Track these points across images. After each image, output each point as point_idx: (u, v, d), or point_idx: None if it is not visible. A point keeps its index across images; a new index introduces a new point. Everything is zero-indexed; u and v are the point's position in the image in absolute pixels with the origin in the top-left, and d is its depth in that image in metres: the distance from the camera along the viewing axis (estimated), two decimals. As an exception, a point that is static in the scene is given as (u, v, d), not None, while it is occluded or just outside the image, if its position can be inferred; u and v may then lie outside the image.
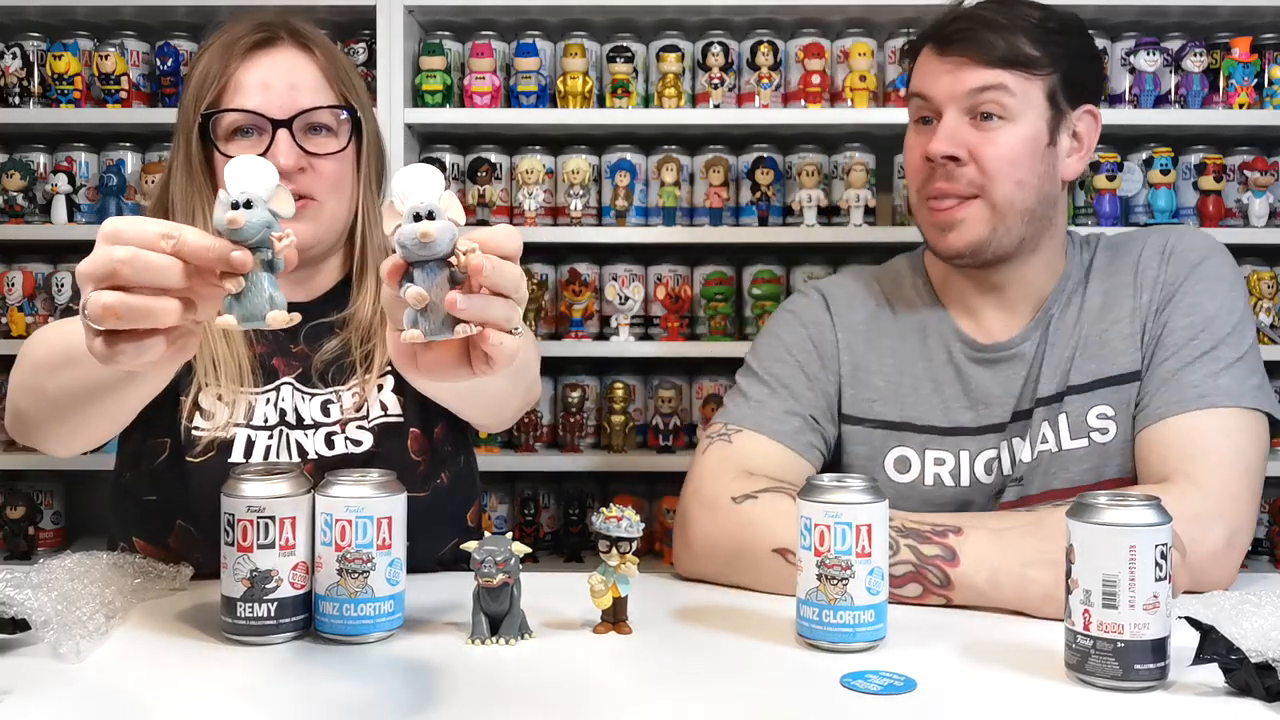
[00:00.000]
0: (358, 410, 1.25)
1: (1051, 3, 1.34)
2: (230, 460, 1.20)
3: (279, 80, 1.22)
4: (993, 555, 1.09)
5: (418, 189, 0.76)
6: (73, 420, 1.07)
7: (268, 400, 1.24)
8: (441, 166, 2.27)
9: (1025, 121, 1.29)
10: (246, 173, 0.77)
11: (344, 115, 1.25)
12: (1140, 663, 0.87)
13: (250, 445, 1.21)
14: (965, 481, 1.33)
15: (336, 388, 1.26)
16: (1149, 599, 0.86)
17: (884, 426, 1.37)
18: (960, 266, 1.35)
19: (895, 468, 1.36)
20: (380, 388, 1.26)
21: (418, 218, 0.75)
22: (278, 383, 1.25)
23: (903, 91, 1.38)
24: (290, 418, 1.24)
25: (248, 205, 0.75)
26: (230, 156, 1.18)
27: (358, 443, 1.24)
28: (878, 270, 1.48)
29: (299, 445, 1.22)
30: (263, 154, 1.19)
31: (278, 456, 1.21)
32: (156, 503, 1.23)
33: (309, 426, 1.24)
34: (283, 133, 1.20)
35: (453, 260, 0.76)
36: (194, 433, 1.20)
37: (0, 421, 1.43)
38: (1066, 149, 1.33)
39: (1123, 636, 0.87)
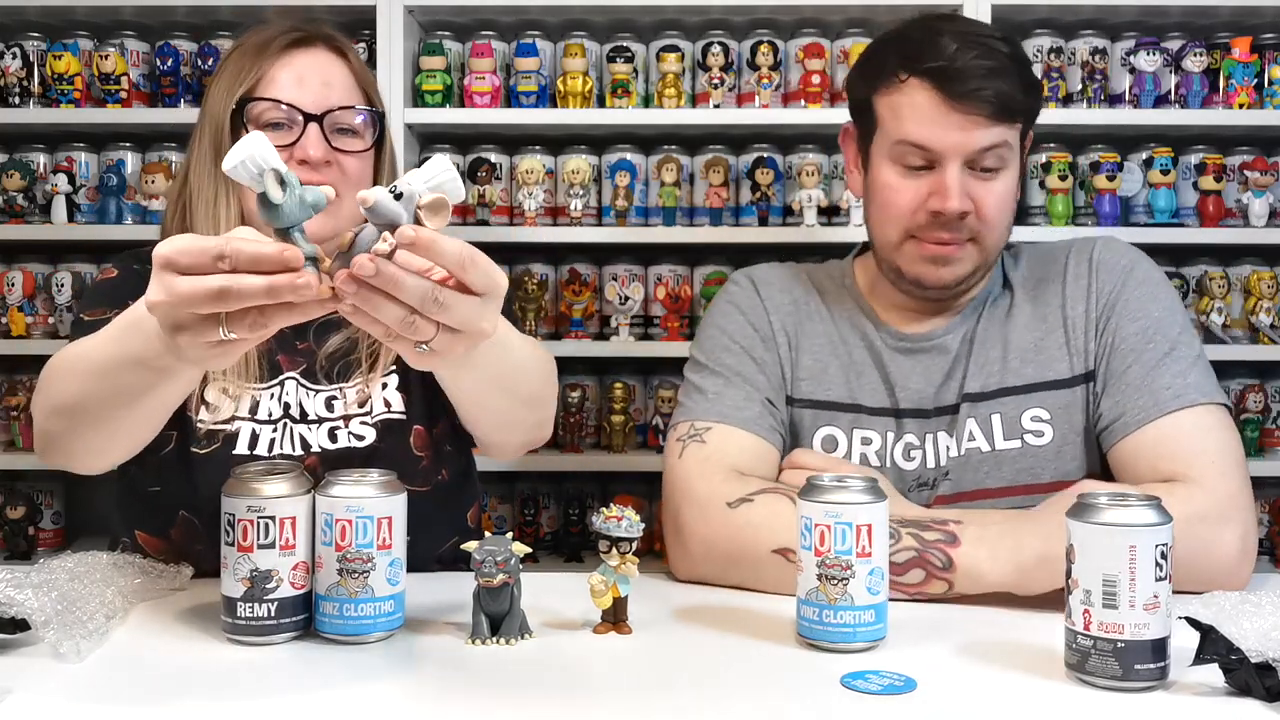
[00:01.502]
0: (361, 406, 1.26)
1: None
2: (235, 452, 1.21)
3: (313, 77, 1.26)
4: (990, 533, 1.12)
5: (424, 175, 0.81)
6: (108, 431, 1.07)
7: (271, 395, 1.25)
8: (441, 166, 2.27)
9: (1012, 170, 1.31)
10: (269, 151, 0.81)
11: (365, 118, 1.29)
12: (1140, 663, 0.87)
13: (255, 438, 1.23)
14: (888, 463, 1.34)
15: (341, 384, 1.27)
16: (1149, 599, 0.86)
17: (812, 406, 1.37)
18: (926, 298, 1.36)
19: (822, 447, 1.36)
20: (384, 385, 1.28)
21: (392, 190, 0.80)
22: (281, 377, 1.27)
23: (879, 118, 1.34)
24: (294, 412, 1.25)
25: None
26: None
27: (361, 438, 1.25)
28: (809, 265, 1.51)
29: (302, 439, 1.24)
30: (291, 144, 1.23)
31: (281, 449, 1.22)
32: (160, 494, 1.24)
33: (312, 421, 1.25)
34: (313, 126, 1.24)
35: (383, 240, 0.80)
36: (199, 425, 1.22)
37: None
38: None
39: (1123, 636, 0.87)
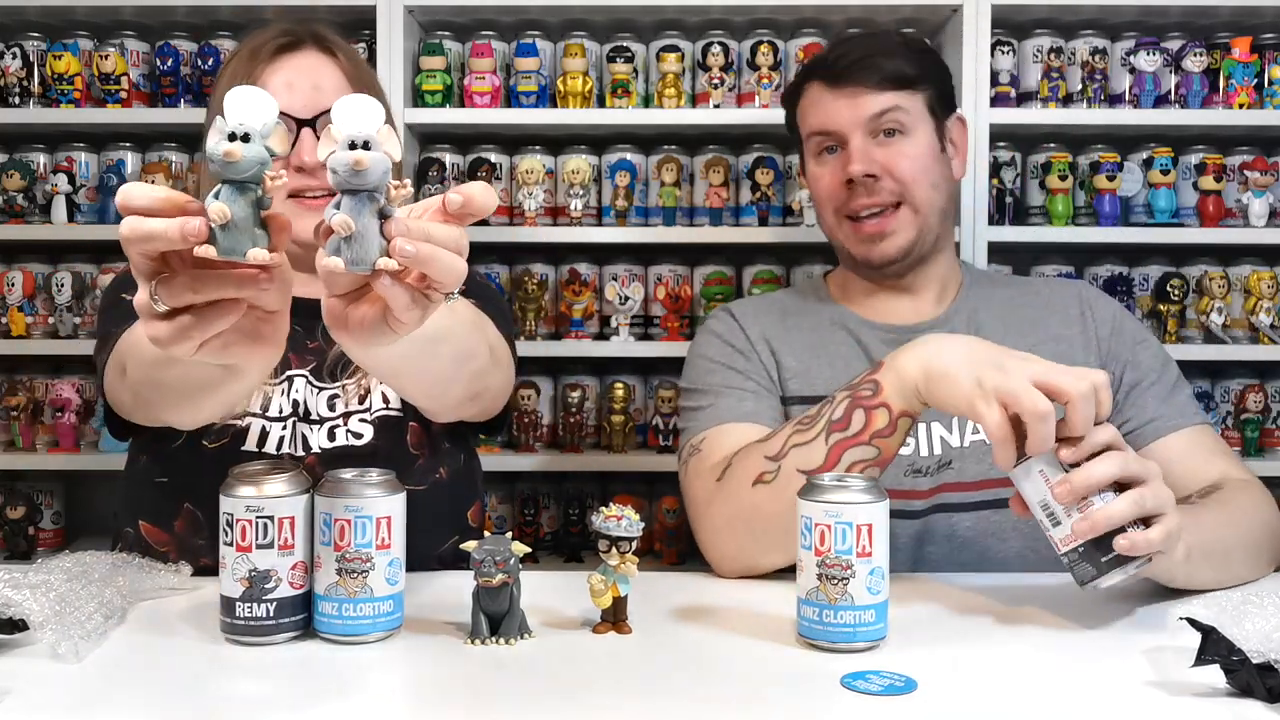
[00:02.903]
0: (361, 402, 1.27)
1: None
2: (243, 449, 1.23)
3: (303, 81, 1.27)
4: (908, 349, 1.14)
5: (356, 118, 0.75)
6: (193, 406, 1.07)
7: (282, 391, 1.27)
8: (441, 167, 2.28)
9: (921, 133, 1.44)
10: (246, 105, 0.75)
11: None
12: (1104, 554, 0.98)
13: (264, 435, 1.24)
14: None
15: (344, 382, 1.28)
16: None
17: (801, 401, 1.43)
18: (884, 275, 1.47)
19: None
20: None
21: (353, 146, 0.74)
22: (290, 373, 1.28)
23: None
24: (301, 410, 1.27)
25: (245, 139, 0.74)
26: None
27: (359, 435, 1.26)
28: (781, 292, 1.64)
29: (304, 439, 1.25)
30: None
31: (287, 449, 1.24)
32: (167, 484, 1.25)
33: (315, 421, 1.26)
34: (307, 131, 1.25)
35: (381, 195, 0.75)
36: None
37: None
38: (949, 153, 1.49)
39: (1079, 542, 0.98)
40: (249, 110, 0.74)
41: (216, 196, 0.73)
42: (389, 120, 0.77)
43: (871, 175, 1.40)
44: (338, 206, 0.75)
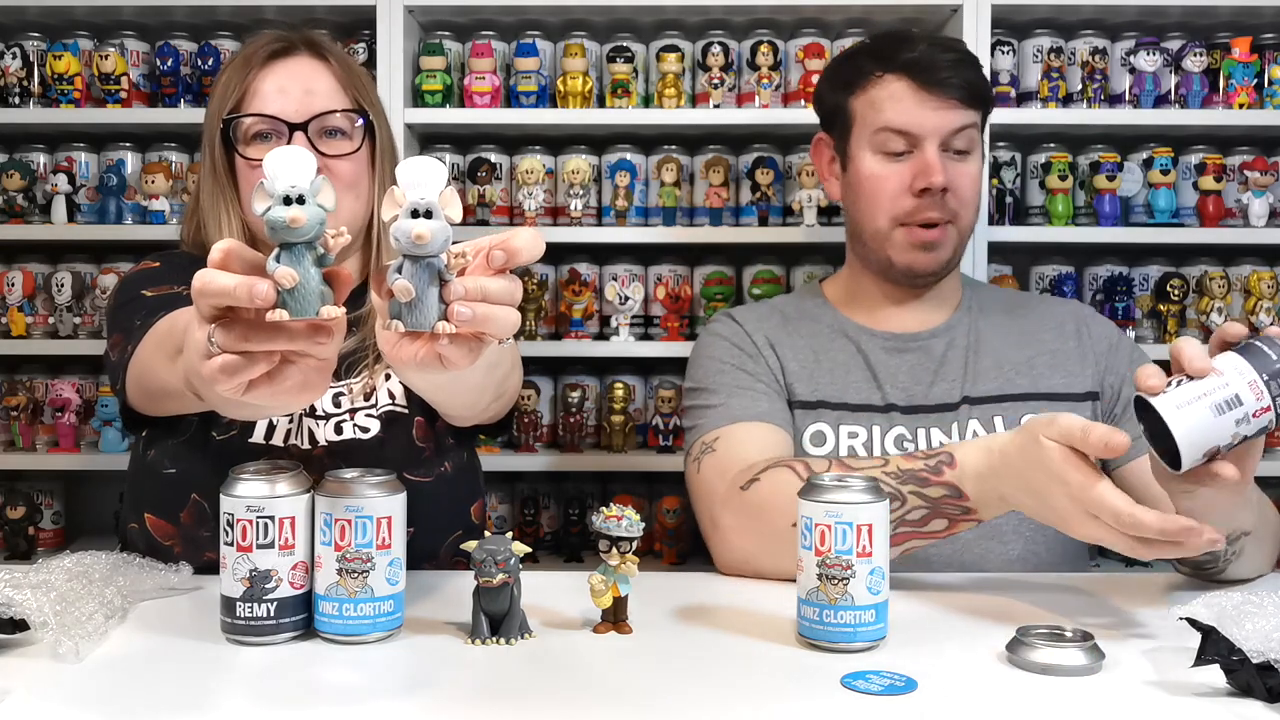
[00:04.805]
0: (367, 398, 1.29)
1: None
2: (251, 440, 1.25)
3: (295, 86, 1.28)
4: (982, 460, 1.10)
5: (420, 182, 0.76)
6: (227, 411, 1.07)
7: None
8: (441, 167, 2.27)
9: (979, 153, 1.44)
10: (290, 166, 0.75)
11: (358, 120, 1.30)
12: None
13: (271, 428, 1.26)
14: (877, 453, 1.40)
15: (349, 380, 1.30)
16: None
17: (801, 406, 1.44)
18: (914, 284, 1.46)
19: (811, 441, 1.42)
20: (388, 376, 1.30)
21: (415, 214, 0.75)
22: None
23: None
24: (307, 405, 1.26)
25: (300, 201, 0.74)
26: (250, 159, 1.25)
27: (365, 430, 1.28)
28: (778, 298, 1.61)
29: (310, 433, 1.27)
30: None
31: (295, 440, 1.26)
32: (175, 475, 1.26)
33: (320, 417, 1.28)
34: (298, 135, 1.26)
35: (441, 261, 0.76)
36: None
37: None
38: None
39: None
40: (294, 171, 0.75)
41: (277, 259, 0.74)
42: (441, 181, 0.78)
43: (944, 189, 1.39)
44: (399, 270, 0.76)
